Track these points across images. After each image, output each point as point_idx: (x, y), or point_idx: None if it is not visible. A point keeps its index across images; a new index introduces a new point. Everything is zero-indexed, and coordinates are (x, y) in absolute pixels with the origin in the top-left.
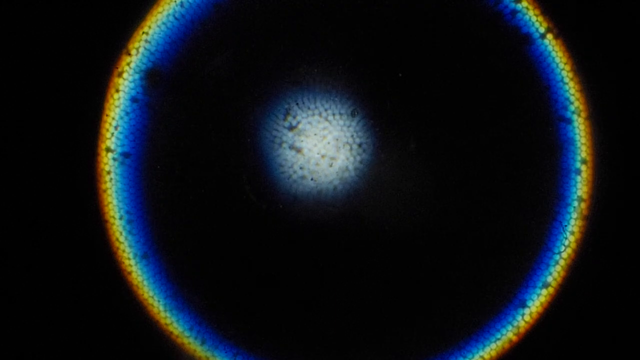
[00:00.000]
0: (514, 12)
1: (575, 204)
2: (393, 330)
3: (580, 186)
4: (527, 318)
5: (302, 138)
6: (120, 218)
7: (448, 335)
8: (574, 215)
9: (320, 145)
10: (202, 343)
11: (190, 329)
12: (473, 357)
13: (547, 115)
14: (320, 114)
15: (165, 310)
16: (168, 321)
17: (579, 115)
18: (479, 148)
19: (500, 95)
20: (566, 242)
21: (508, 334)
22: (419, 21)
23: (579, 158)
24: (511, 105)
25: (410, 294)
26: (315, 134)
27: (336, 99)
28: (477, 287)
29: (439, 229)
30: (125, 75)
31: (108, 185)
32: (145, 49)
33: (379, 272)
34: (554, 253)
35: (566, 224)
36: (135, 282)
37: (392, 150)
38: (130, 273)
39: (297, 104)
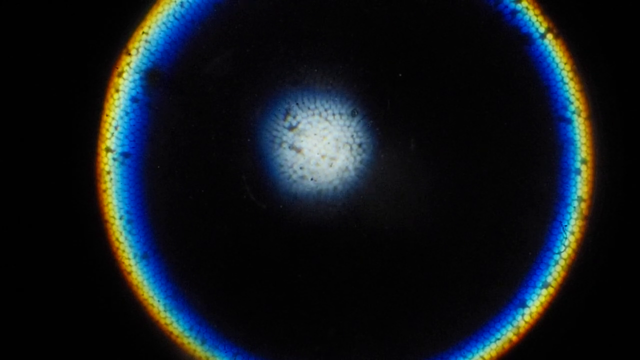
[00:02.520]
0: (514, 12)
1: (576, 204)
2: (393, 330)
3: (580, 186)
4: (527, 318)
5: (302, 138)
6: (120, 218)
7: (448, 335)
8: (574, 215)
9: (320, 145)
10: (202, 343)
11: (190, 329)
12: (473, 357)
13: (547, 115)
14: (320, 114)
15: (165, 310)
16: (168, 321)
17: (579, 115)
18: (478, 148)
19: (499, 95)
20: (566, 242)
21: (508, 334)
22: (419, 21)
23: (579, 158)
24: (511, 105)
25: (410, 294)
26: (315, 134)
27: (336, 99)
28: (477, 287)
29: (438, 228)
30: (125, 75)
31: (108, 185)
32: (145, 49)
33: (378, 272)
34: (554, 253)
35: (566, 224)
36: (135, 282)
37: (392, 150)
38: (130, 273)
39: (297, 104)
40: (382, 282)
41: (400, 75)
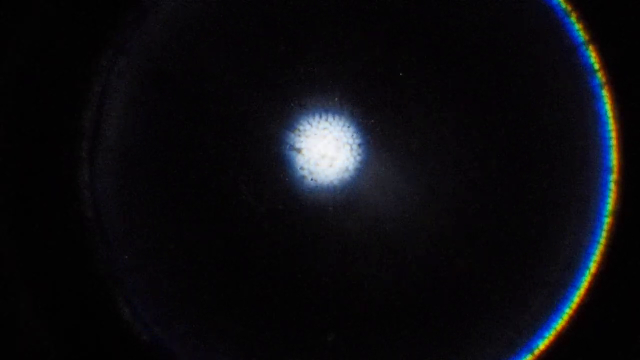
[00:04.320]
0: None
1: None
2: (393, 338)
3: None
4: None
5: (302, 138)
6: (119, 218)
7: (456, 345)
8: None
9: (320, 145)
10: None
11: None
12: None
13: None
14: (320, 114)
15: (160, 312)
16: (164, 325)
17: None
18: (482, 148)
19: (516, 95)
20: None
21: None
22: (423, 15)
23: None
24: (528, 107)
25: (411, 299)
26: (315, 134)
27: (336, 98)
28: (485, 292)
29: (441, 230)
30: (124, 75)
31: (106, 185)
32: (145, 48)
33: (378, 274)
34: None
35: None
36: (133, 285)
37: (393, 150)
38: (130, 271)
39: (296, 103)
40: (382, 285)
41: (400, 74)
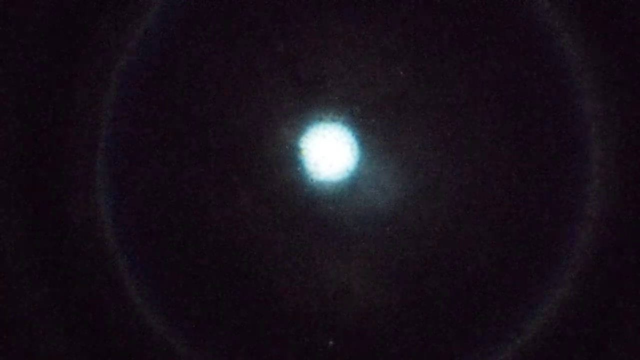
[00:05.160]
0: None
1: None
2: (395, 345)
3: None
4: None
5: (302, 138)
6: (118, 218)
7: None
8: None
9: (320, 145)
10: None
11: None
12: None
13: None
14: (320, 114)
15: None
16: (162, 323)
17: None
18: (492, 150)
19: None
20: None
21: None
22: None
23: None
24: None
25: (413, 302)
26: (315, 134)
27: (336, 97)
28: (483, 293)
29: (443, 231)
30: (123, 74)
31: (105, 184)
32: (144, 48)
33: (380, 275)
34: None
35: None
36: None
37: (393, 150)
38: (126, 273)
39: (296, 103)
40: (384, 286)
41: (402, 73)
